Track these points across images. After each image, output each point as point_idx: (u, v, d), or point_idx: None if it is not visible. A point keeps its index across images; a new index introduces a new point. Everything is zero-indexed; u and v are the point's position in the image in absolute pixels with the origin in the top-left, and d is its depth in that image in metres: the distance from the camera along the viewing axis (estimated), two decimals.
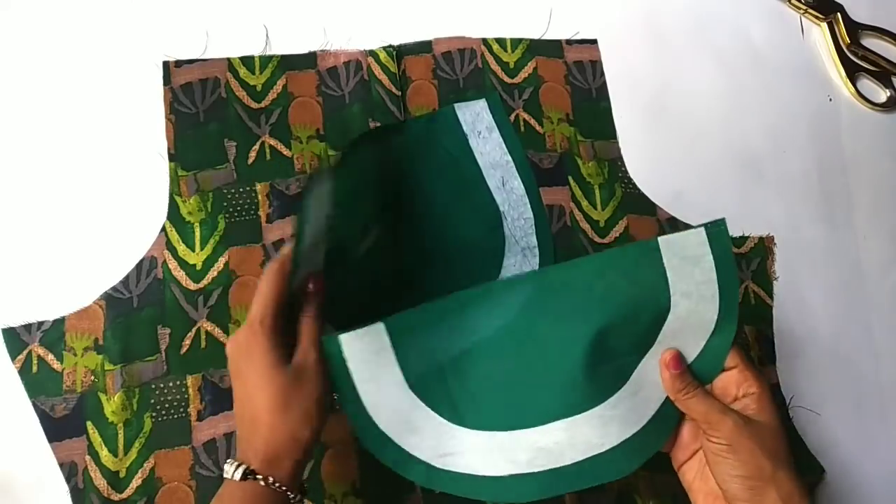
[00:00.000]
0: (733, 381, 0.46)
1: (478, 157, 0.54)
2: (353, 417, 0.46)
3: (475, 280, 0.48)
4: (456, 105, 0.54)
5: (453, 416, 0.46)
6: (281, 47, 0.63)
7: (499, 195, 0.55)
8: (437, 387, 0.46)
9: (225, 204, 0.58)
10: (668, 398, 0.46)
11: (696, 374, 0.47)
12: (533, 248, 0.54)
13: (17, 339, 0.54)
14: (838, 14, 0.74)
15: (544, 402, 0.46)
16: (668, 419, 0.46)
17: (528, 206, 0.54)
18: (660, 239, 0.45)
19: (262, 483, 0.41)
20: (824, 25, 0.74)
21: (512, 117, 0.64)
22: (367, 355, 0.45)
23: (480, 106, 0.55)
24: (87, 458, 0.52)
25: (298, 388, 0.43)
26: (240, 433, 0.44)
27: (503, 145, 0.54)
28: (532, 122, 0.64)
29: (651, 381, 0.46)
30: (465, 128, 0.54)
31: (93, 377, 0.54)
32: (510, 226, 0.54)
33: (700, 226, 0.45)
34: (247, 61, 0.62)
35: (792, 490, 0.43)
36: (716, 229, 0.45)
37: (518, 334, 0.47)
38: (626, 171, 0.65)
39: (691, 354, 0.47)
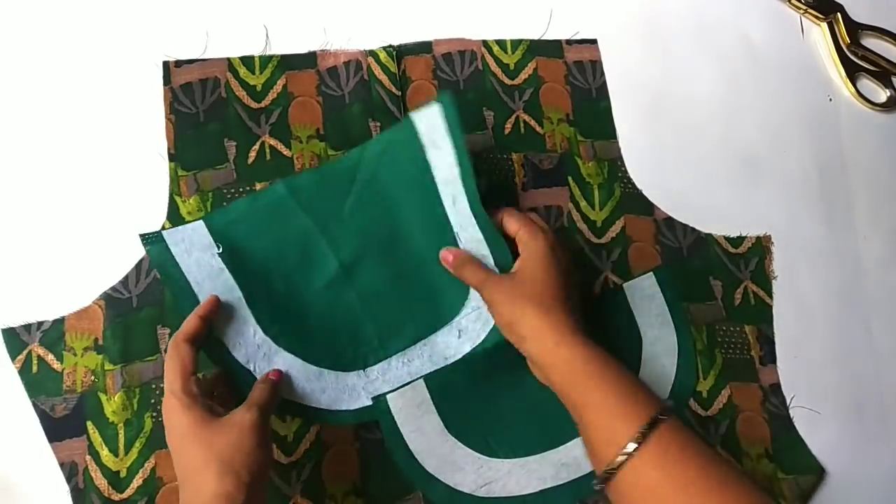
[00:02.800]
0: (520, 241, 0.52)
1: (434, 174, 0.53)
2: (403, 463, 0.54)
3: (441, 313, 0.56)
4: (413, 114, 0.52)
5: (487, 451, 0.55)
6: (281, 47, 0.63)
7: (452, 215, 0.53)
8: (471, 428, 0.55)
9: (225, 204, 0.58)
10: None
11: (676, 394, 0.58)
12: (487, 258, 0.53)
13: (16, 339, 0.54)
14: (838, 14, 0.74)
15: (561, 426, 0.53)
16: None
17: (476, 225, 0.52)
18: (624, 285, 0.61)
19: None
20: (824, 25, 0.74)
21: (512, 119, 0.64)
22: (411, 409, 0.54)
23: (435, 112, 0.52)
24: (88, 458, 0.52)
25: (225, 440, 0.44)
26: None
27: (453, 155, 0.52)
28: (532, 123, 0.64)
29: None
30: (422, 139, 0.51)
31: (93, 377, 0.54)
32: (464, 247, 0.53)
33: (649, 271, 0.61)
34: (247, 61, 0.62)
35: (537, 326, 0.48)
36: (661, 273, 0.61)
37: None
38: (625, 171, 0.65)
39: (670, 375, 0.59)
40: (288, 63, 0.62)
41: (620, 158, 0.65)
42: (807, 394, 0.62)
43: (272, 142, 0.60)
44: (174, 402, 0.46)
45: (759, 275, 0.65)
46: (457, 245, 0.54)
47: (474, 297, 0.54)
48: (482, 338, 0.54)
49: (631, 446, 0.42)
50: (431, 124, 0.52)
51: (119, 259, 0.56)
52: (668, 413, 0.44)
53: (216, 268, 0.53)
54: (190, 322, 0.49)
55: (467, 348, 0.55)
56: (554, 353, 0.47)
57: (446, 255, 0.53)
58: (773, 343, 0.63)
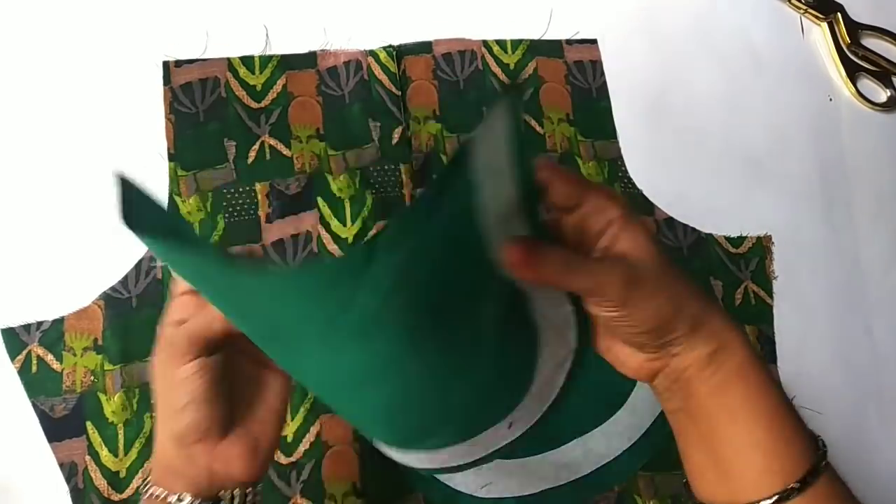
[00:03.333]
0: (593, 212, 0.35)
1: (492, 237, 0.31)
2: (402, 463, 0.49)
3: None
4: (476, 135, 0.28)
5: None
6: (281, 47, 0.63)
7: (542, 326, 0.38)
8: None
9: (224, 204, 0.58)
10: (661, 413, 0.44)
11: None
12: (567, 318, 0.38)
13: (16, 339, 0.54)
14: (838, 14, 0.74)
15: (561, 427, 0.54)
16: (661, 427, 0.53)
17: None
18: None
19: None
20: (824, 25, 0.74)
21: None
22: None
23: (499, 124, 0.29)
24: (88, 458, 0.52)
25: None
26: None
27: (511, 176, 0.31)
28: (532, 122, 0.64)
29: (644, 402, 0.57)
30: (476, 176, 0.28)
31: (92, 377, 0.54)
32: (537, 305, 0.37)
33: None
34: (247, 61, 0.62)
35: (697, 312, 0.35)
36: None
37: None
38: (625, 171, 0.65)
39: None
40: (288, 63, 0.62)
41: (620, 158, 0.65)
42: (807, 394, 0.62)
43: (272, 142, 0.60)
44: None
45: (760, 275, 0.65)
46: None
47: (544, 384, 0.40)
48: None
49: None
50: (494, 146, 0.29)
51: (119, 259, 0.56)
52: (825, 456, 0.38)
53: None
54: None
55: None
56: (717, 335, 0.36)
57: (514, 254, 0.32)
58: (773, 343, 0.63)
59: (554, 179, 0.35)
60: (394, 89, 0.62)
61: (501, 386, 0.39)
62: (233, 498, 0.37)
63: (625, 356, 0.38)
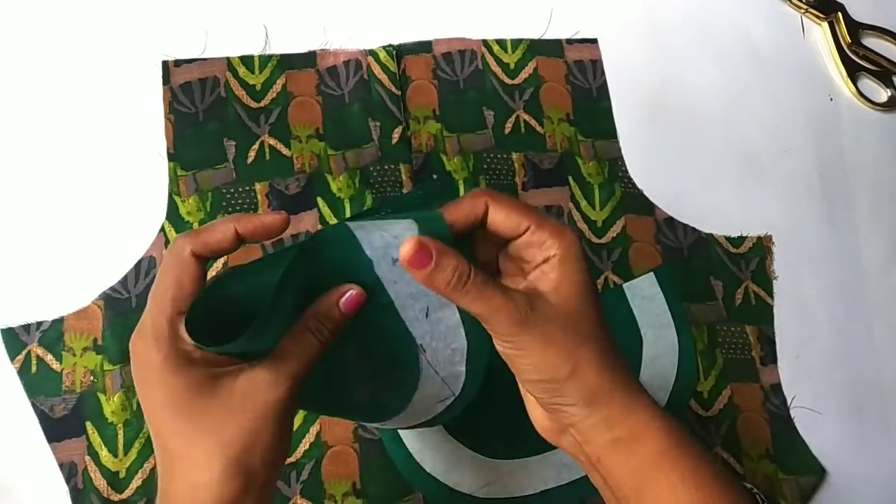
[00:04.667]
0: (534, 245, 0.34)
1: (388, 286, 0.37)
2: (401, 463, 0.53)
3: (385, 407, 0.43)
4: (353, 225, 0.36)
5: (487, 451, 0.54)
6: (280, 46, 0.63)
7: (417, 327, 0.40)
8: (471, 429, 0.54)
9: (224, 204, 0.58)
10: None
11: (676, 394, 0.56)
12: (458, 375, 0.41)
13: (15, 339, 0.54)
14: (839, 13, 0.73)
15: None
16: None
17: (462, 334, 0.40)
18: (624, 285, 0.60)
19: None
20: (825, 25, 0.74)
21: (512, 118, 0.64)
22: None
23: (402, 227, 0.36)
24: (87, 458, 0.52)
25: (236, 426, 0.32)
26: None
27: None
28: (532, 122, 0.64)
29: None
30: (368, 252, 0.36)
31: (92, 377, 0.54)
32: (429, 357, 0.41)
33: (649, 271, 0.61)
34: (246, 60, 0.62)
35: (596, 385, 0.33)
36: (661, 274, 0.61)
37: None
38: (626, 171, 0.65)
39: (671, 376, 0.58)
40: (287, 62, 0.62)
41: (621, 158, 0.65)
42: (808, 394, 0.62)
43: (272, 141, 0.60)
44: (153, 349, 0.31)
45: (760, 275, 0.65)
46: (416, 354, 0.38)
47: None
48: None
49: None
50: (387, 241, 0.37)
51: (118, 259, 0.56)
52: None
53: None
54: (216, 231, 0.34)
55: None
56: (623, 423, 0.33)
57: (408, 252, 0.32)
58: (773, 343, 0.63)
59: (493, 208, 0.34)
60: (394, 89, 0.62)
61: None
62: None
63: (530, 406, 0.37)
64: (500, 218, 0.34)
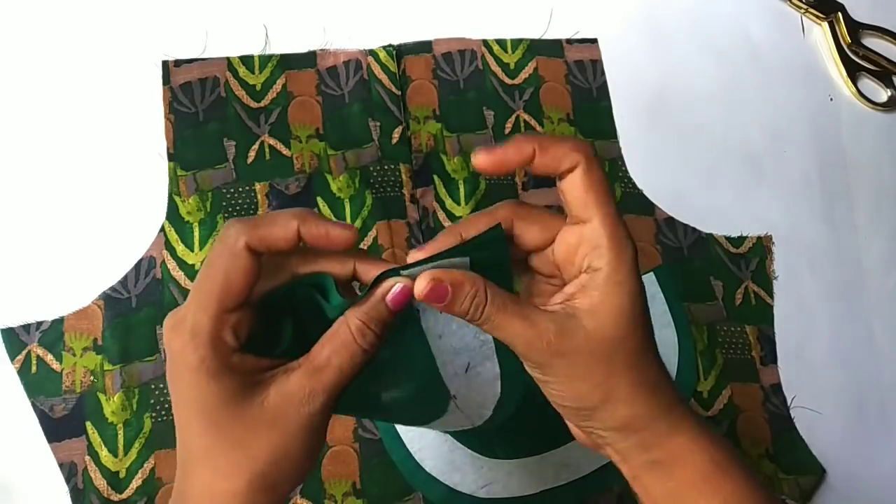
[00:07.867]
0: (585, 244, 0.31)
1: (431, 340, 0.36)
2: (401, 463, 0.53)
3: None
4: (407, 273, 0.33)
5: (487, 452, 0.54)
6: (280, 46, 0.63)
7: (453, 381, 0.39)
8: (470, 430, 0.49)
9: (224, 204, 0.58)
10: None
11: (677, 391, 0.51)
12: (483, 416, 0.41)
13: (15, 339, 0.54)
14: (839, 13, 0.73)
15: (561, 427, 0.48)
16: None
17: (498, 386, 0.39)
18: None
19: None
20: (825, 25, 0.74)
21: (512, 118, 0.64)
22: None
23: (456, 261, 0.34)
24: (87, 458, 0.52)
25: (266, 441, 0.30)
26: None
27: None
28: (533, 122, 0.64)
29: None
30: (415, 304, 0.33)
31: (92, 377, 0.54)
32: (460, 402, 0.40)
33: (649, 271, 0.60)
34: (246, 60, 0.62)
35: (629, 414, 0.31)
36: (661, 274, 0.60)
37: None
38: (626, 171, 0.65)
39: (671, 374, 0.55)
40: (287, 62, 0.62)
41: (621, 158, 0.65)
42: (807, 394, 0.62)
43: (272, 141, 0.60)
44: (190, 348, 0.29)
45: (760, 275, 0.65)
46: (446, 404, 0.38)
47: None
48: None
49: None
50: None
51: (118, 259, 0.56)
52: None
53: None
54: (277, 225, 0.30)
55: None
56: (661, 446, 0.32)
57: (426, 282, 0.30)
58: (773, 343, 0.63)
59: (521, 224, 0.32)
60: (394, 89, 0.62)
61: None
62: None
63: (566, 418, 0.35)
64: (528, 235, 0.33)
